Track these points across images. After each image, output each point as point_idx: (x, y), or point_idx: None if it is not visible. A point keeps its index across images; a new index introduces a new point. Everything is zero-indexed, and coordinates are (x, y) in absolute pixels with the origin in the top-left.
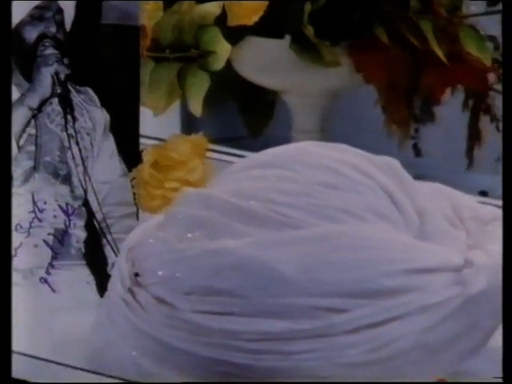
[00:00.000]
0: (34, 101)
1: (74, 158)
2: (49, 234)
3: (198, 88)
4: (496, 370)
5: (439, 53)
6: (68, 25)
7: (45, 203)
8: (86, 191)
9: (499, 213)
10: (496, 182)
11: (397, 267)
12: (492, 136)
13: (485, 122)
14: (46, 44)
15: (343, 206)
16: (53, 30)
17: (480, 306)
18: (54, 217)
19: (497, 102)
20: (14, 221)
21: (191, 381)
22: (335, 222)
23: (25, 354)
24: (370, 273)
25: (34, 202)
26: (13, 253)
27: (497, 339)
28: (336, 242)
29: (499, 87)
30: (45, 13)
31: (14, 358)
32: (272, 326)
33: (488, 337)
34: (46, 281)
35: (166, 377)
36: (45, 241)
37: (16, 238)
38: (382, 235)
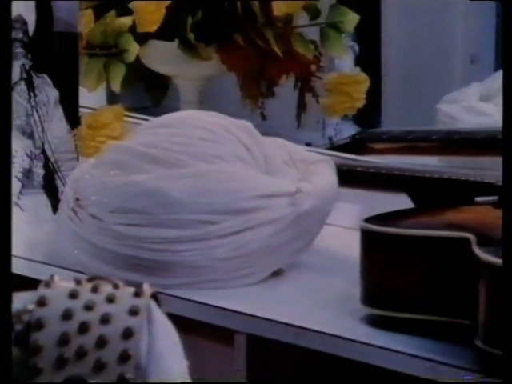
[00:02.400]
0: None
1: (35, 121)
2: (19, 171)
3: (117, 74)
4: (322, 264)
5: (278, 51)
6: (31, 32)
7: (16, 151)
8: (43, 143)
9: (319, 156)
10: (316, 136)
11: (250, 193)
12: (313, 107)
13: (308, 97)
14: (16, 45)
15: (214, 152)
16: (20, 35)
17: (307, 219)
18: (23, 160)
19: (317, 84)
20: None
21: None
22: (209, 163)
23: None
24: (232, 197)
25: None
26: None
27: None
28: (210, 177)
29: (318, 74)
30: (15, 24)
31: None
32: (167, 233)
33: (312, 239)
34: (17, 204)
35: (98, 268)
36: (16, 176)
37: None
38: (240, 172)
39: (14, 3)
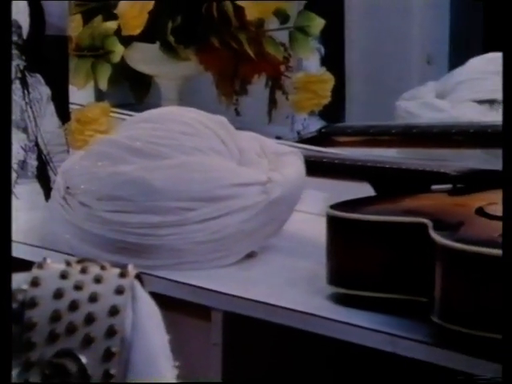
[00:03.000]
0: None
1: (29, 116)
2: (14, 163)
3: (104, 73)
4: (291, 247)
5: (250, 53)
6: (25, 35)
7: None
8: (36, 137)
9: (289, 148)
10: (286, 130)
11: (225, 182)
12: (282, 103)
13: (278, 94)
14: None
15: (193, 145)
16: (15, 38)
17: (277, 206)
18: (18, 153)
19: (286, 82)
20: None
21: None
22: (188, 155)
23: None
24: (209, 186)
25: None
26: None
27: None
28: (189, 167)
29: (288, 73)
30: None
31: None
32: (150, 219)
33: (283, 224)
34: (13, 192)
35: (87, 251)
36: (12, 167)
37: None
38: (216, 163)
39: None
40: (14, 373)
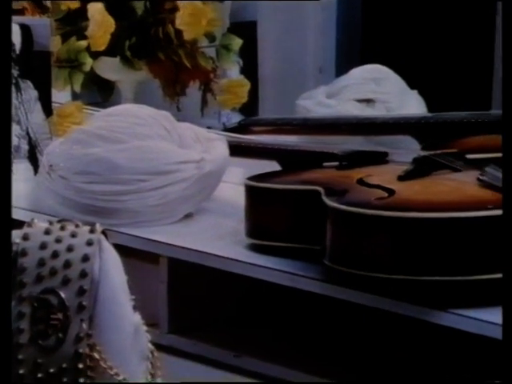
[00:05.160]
0: None
1: (21, 112)
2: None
3: (78, 80)
4: (219, 209)
5: (187, 64)
6: (18, 50)
7: None
8: (27, 127)
9: (216, 135)
10: (214, 122)
11: (169, 160)
12: (212, 102)
13: (209, 95)
14: None
15: (145, 133)
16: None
17: (208, 178)
18: (13, 140)
19: (214, 86)
20: None
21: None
22: (141, 140)
23: None
24: (157, 163)
25: None
26: None
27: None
28: (142, 149)
29: (215, 80)
30: None
31: None
32: (113, 188)
33: (212, 192)
34: None
35: (65, 213)
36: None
37: None
38: (162, 146)
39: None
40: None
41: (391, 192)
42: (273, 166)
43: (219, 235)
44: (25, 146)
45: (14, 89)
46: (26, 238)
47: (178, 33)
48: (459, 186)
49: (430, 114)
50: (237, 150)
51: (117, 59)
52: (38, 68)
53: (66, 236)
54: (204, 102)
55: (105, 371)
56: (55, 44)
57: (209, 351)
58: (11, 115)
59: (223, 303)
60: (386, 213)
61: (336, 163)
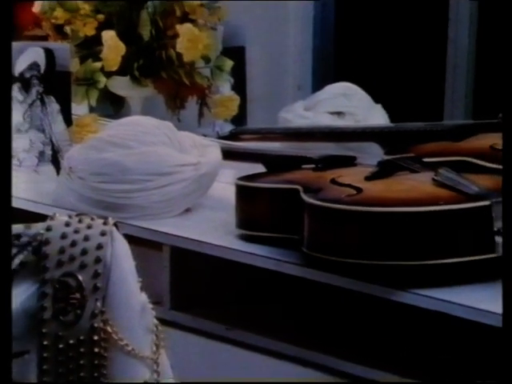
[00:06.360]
0: (28, 101)
1: (46, 123)
2: (37, 153)
3: (93, 95)
4: (213, 204)
5: (186, 82)
6: (42, 71)
7: (34, 142)
8: (50, 136)
9: (211, 142)
10: (209, 131)
11: (170, 163)
12: (207, 114)
13: (205, 108)
14: (33, 79)
15: (150, 140)
16: (35, 73)
17: (204, 179)
18: (39, 146)
19: (209, 101)
20: (22, 149)
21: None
22: (147, 146)
23: (25, 199)
24: (160, 165)
25: (30, 141)
26: (21, 161)
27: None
28: (148, 154)
29: (210, 95)
30: (33, 66)
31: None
32: (123, 187)
33: (207, 190)
34: (36, 171)
35: (82, 208)
36: (35, 156)
37: (23, 156)
38: (165, 151)
39: (32, 54)
40: (34, 288)
41: (359, 190)
42: (259, 168)
43: (214, 227)
44: (48, 152)
45: (39, 103)
46: (49, 229)
47: (179, 55)
48: (417, 184)
49: (391, 124)
50: (228, 154)
51: (127, 78)
52: (60, 85)
53: (83, 228)
54: (200, 114)
55: (116, 342)
56: (74, 65)
57: (205, 325)
58: (11, 116)
59: (217, 284)
60: (355, 208)
61: (312, 166)
